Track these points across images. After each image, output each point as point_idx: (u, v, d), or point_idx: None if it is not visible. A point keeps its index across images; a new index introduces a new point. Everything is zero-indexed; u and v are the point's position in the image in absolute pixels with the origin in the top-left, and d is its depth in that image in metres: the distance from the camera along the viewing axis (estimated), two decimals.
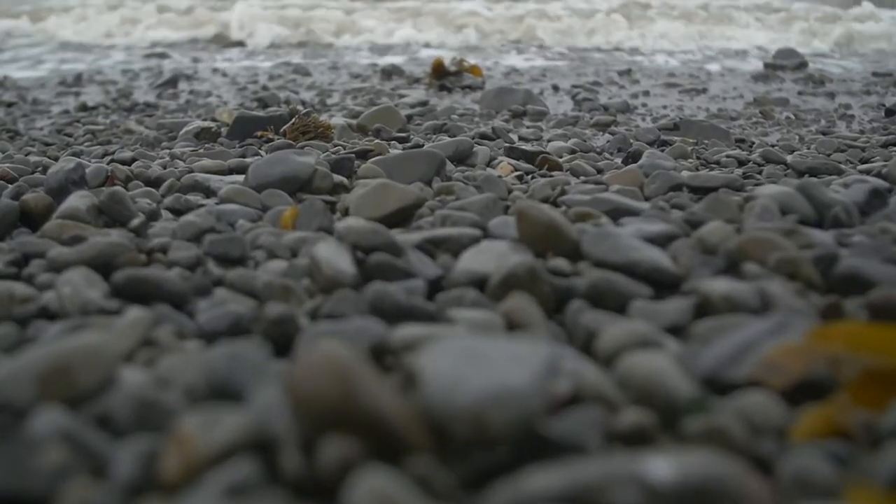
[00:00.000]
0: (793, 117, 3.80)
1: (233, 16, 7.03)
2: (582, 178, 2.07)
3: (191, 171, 2.03)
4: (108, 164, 2.49)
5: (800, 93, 4.69)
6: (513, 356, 0.73)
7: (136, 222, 1.47)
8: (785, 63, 5.92)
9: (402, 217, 1.55)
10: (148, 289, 1.14)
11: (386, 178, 1.88)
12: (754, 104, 4.21)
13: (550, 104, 4.03)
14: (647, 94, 4.56)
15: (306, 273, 1.23)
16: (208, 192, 1.84)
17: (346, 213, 1.60)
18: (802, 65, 5.93)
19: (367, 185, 1.63)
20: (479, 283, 1.16)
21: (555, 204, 1.77)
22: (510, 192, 1.79)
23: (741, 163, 2.49)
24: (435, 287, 1.19)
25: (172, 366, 0.86)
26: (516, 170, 2.11)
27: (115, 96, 4.52)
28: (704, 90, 4.72)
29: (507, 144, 2.36)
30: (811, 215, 1.55)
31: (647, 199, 1.86)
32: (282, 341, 1.00)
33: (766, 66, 5.96)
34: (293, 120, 2.72)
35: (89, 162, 2.50)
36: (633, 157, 2.38)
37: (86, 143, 3.09)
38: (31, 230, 1.55)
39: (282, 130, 2.74)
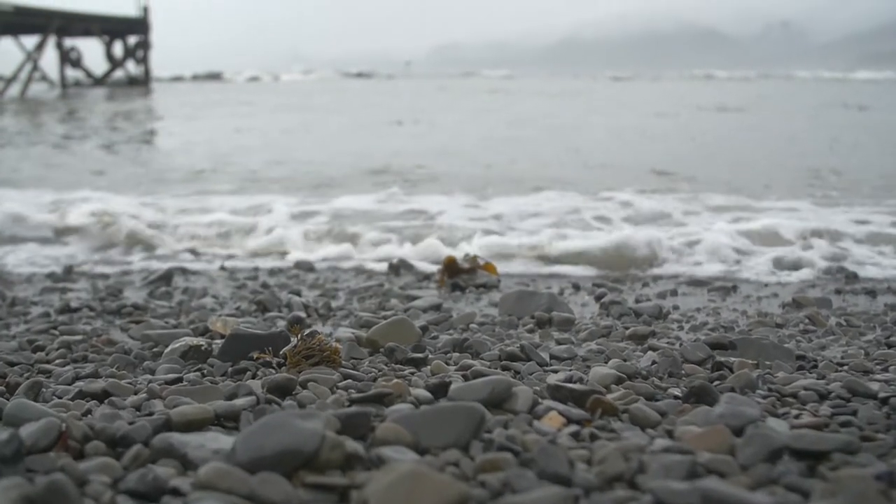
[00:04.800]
0: (844, 323, 3.45)
1: None
2: (650, 432, 1.68)
3: (167, 422, 1.64)
4: (73, 396, 2.12)
5: (838, 291, 4.36)
6: None
7: None
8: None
9: None
10: None
11: (412, 441, 1.49)
12: (794, 306, 3.87)
13: (574, 307, 3.69)
14: (674, 293, 4.23)
15: None
16: (185, 463, 1.44)
17: None
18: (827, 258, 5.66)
19: (391, 470, 1.24)
20: None
21: (632, 485, 1.37)
22: (571, 464, 1.39)
23: (821, 396, 2.11)
24: None
25: None
26: (568, 419, 1.72)
27: (103, 295, 4.18)
28: (735, 288, 4.40)
29: (550, 383, 1.97)
30: None
31: (742, 467, 1.47)
32: None
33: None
34: (295, 342, 2.35)
35: (50, 399, 2.12)
36: (696, 395, 1.99)
37: (57, 361, 2.71)
38: None
39: (282, 353, 2.37)
